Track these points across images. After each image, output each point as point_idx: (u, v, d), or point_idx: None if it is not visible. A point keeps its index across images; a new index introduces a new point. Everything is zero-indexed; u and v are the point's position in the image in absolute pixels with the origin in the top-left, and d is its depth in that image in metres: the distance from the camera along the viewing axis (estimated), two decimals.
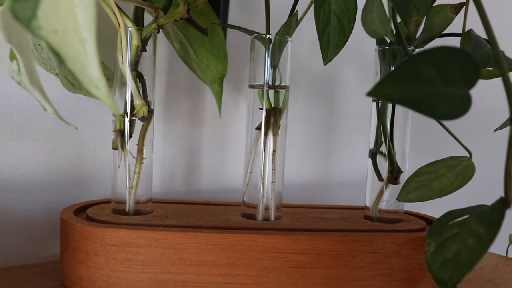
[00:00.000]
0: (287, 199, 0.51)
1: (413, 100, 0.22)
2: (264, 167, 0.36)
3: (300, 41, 0.52)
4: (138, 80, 0.35)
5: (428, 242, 0.30)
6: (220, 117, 0.44)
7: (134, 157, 0.36)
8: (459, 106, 0.24)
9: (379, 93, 0.22)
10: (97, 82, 0.21)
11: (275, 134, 0.36)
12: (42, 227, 0.41)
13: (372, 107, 0.38)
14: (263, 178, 0.36)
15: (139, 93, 0.35)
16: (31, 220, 0.40)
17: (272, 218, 0.36)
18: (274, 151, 0.36)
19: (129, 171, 0.35)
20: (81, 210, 0.37)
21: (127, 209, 0.35)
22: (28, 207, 0.40)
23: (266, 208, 0.36)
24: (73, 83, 0.38)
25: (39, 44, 0.37)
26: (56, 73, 0.39)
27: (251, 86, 0.36)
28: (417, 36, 0.38)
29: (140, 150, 0.37)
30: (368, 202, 0.39)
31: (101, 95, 0.21)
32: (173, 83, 0.47)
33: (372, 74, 0.38)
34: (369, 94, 0.22)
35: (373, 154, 0.38)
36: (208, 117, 0.49)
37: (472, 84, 0.24)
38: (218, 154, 0.50)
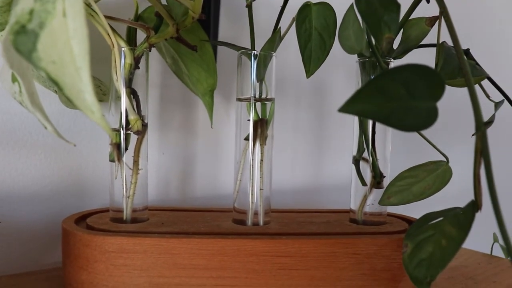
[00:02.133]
0: (279, 204, 0.53)
1: (382, 115, 0.24)
2: (252, 175, 0.38)
3: (287, 53, 0.54)
4: (132, 96, 0.38)
5: (406, 244, 0.32)
6: (212, 127, 0.46)
7: (130, 168, 0.38)
8: (426, 118, 0.26)
9: (350, 110, 0.24)
10: (91, 106, 0.23)
11: (262, 144, 0.38)
12: (45, 235, 0.43)
13: (354, 116, 0.40)
14: (252, 186, 0.38)
15: (133, 109, 0.37)
16: (34, 229, 0.42)
17: (261, 223, 0.38)
18: (261, 160, 0.38)
19: (125, 182, 0.37)
20: (82, 219, 0.39)
21: (124, 218, 0.37)
22: (31, 217, 0.42)
23: (256, 214, 0.38)
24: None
25: None
26: (55, 90, 0.41)
27: (239, 99, 0.39)
28: (395, 48, 0.40)
29: (135, 162, 0.39)
30: (353, 205, 0.41)
31: (96, 118, 0.23)
32: (167, 96, 0.49)
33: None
34: (341, 110, 0.24)
35: (356, 161, 0.41)
36: (201, 127, 0.52)
37: (437, 97, 0.27)
38: (211, 162, 0.52)
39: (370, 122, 0.39)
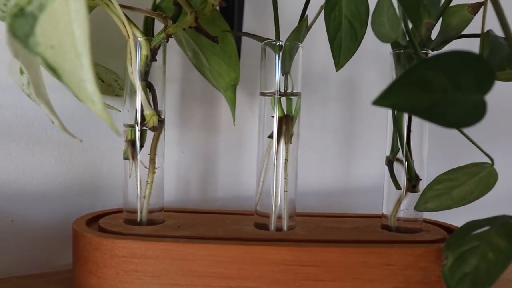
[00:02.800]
0: (305, 207, 0.50)
1: (422, 109, 0.21)
2: (276, 176, 0.35)
3: (316, 46, 0.51)
4: (148, 90, 0.35)
5: (446, 255, 0.29)
6: (234, 124, 0.44)
7: (145, 167, 0.36)
8: (473, 113, 0.22)
9: (385, 102, 0.21)
10: (92, 96, 0.20)
11: (287, 143, 0.35)
12: (57, 236, 0.41)
13: (387, 113, 0.37)
14: (275, 188, 0.35)
15: (149, 103, 0.35)
16: (46, 229, 0.41)
17: (285, 228, 0.35)
18: (286, 159, 0.35)
19: (140, 181, 0.35)
20: (95, 219, 0.37)
21: (138, 219, 0.35)
22: (43, 216, 0.40)
23: (279, 218, 0.36)
24: None
25: None
26: None
27: (262, 94, 0.36)
28: (434, 38, 0.36)
29: (152, 160, 0.36)
30: (386, 210, 0.38)
31: (97, 109, 0.20)
32: (187, 91, 0.47)
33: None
34: (375, 103, 0.21)
35: (389, 162, 0.37)
36: (223, 124, 0.49)
37: (487, 89, 0.23)
38: (234, 161, 0.50)
39: (406, 119, 0.36)
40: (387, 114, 0.37)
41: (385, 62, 0.56)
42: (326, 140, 0.55)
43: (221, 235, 0.33)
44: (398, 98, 0.21)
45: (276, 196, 0.35)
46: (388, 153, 0.37)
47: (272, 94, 0.35)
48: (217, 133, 0.49)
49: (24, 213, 0.40)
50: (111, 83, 0.41)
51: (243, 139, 0.50)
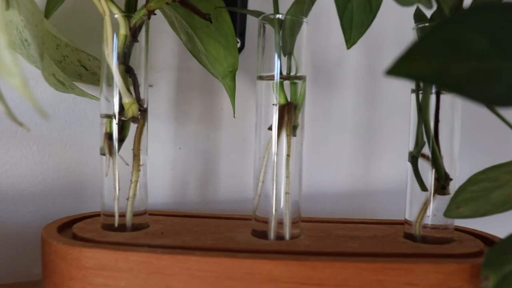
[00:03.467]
0: (316, 212, 0.45)
1: (453, 80, 0.16)
2: (276, 174, 0.30)
3: (324, 21, 0.45)
4: (127, 75, 0.30)
5: (486, 275, 0.23)
6: (234, 116, 0.38)
7: (127, 163, 0.31)
8: None
9: (403, 71, 0.16)
10: (10, 67, 0.15)
11: (289, 135, 0.30)
12: (37, 241, 0.36)
13: (411, 99, 0.31)
14: (276, 188, 0.30)
15: (128, 90, 0.30)
16: (23, 233, 0.36)
17: (287, 236, 0.30)
18: (288, 155, 0.30)
19: (118, 180, 0.30)
20: (72, 224, 0.32)
21: (116, 224, 0.30)
22: (20, 219, 0.36)
23: (281, 224, 0.30)
24: (63, 82, 0.34)
25: (25, 40, 0.33)
26: (52, 73, 0.35)
27: (260, 78, 0.30)
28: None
29: (135, 156, 0.32)
30: (409, 216, 0.32)
31: (15, 83, 0.16)
32: (185, 80, 0.42)
33: None
34: (390, 72, 0.16)
35: (413, 158, 0.31)
36: (225, 117, 0.44)
37: None
38: (237, 159, 0.44)
39: (433, 104, 0.30)
40: (410, 100, 0.31)
41: (406, 39, 0.50)
42: (341, 134, 0.49)
43: (209, 245, 0.28)
44: (421, 65, 0.16)
45: (276, 199, 0.30)
46: (411, 147, 0.31)
47: (271, 78, 0.30)
48: (218, 127, 0.44)
49: None
50: (95, 71, 0.37)
51: (247, 134, 0.45)
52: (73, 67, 0.37)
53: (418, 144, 0.31)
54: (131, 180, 0.32)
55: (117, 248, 0.26)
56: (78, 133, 0.38)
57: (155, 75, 0.41)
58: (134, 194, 0.32)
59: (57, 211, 0.37)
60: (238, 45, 0.44)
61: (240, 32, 0.45)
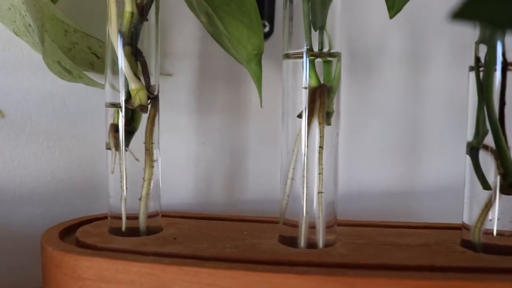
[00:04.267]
0: (355, 213, 0.40)
1: None
2: (306, 170, 0.25)
3: (367, 3, 0.40)
4: (134, 58, 0.27)
5: None
6: (261, 106, 0.34)
7: (136, 159, 0.28)
8: None
9: (471, 13, 0.11)
10: None
11: (322, 123, 0.25)
12: None
13: (469, 78, 0.26)
14: (306, 187, 0.25)
15: (136, 75, 0.26)
16: (33, 236, 0.33)
17: (321, 244, 0.25)
18: (321, 147, 0.25)
19: (126, 178, 0.27)
20: (80, 226, 0.29)
21: (123, 228, 0.27)
22: (30, 221, 0.33)
23: (314, 228, 0.25)
24: (70, 70, 0.31)
25: (29, 25, 0.30)
26: (57, 60, 0.32)
27: (286, 56, 0.26)
28: None
29: (148, 150, 0.28)
30: (467, 219, 0.26)
31: None
32: (207, 68, 0.38)
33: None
34: (456, 15, 0.11)
35: (472, 149, 0.26)
36: (253, 109, 0.40)
37: None
38: (267, 155, 0.40)
39: (497, 82, 0.24)
40: (468, 81, 0.26)
41: (461, 32, 0.44)
42: (383, 126, 0.44)
43: (226, 254, 0.23)
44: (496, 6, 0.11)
45: (307, 199, 0.25)
46: (470, 137, 0.26)
47: (300, 56, 0.25)
48: (246, 119, 0.39)
49: (6, 216, 0.33)
50: None
51: (279, 127, 0.40)
52: (84, 55, 0.34)
53: (479, 132, 0.25)
54: (143, 178, 0.28)
55: (118, 256, 0.22)
56: (91, 127, 0.35)
57: (174, 63, 0.38)
58: (148, 194, 0.28)
59: (69, 212, 0.34)
60: (266, 29, 0.40)
61: (269, 16, 0.41)
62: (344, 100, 0.42)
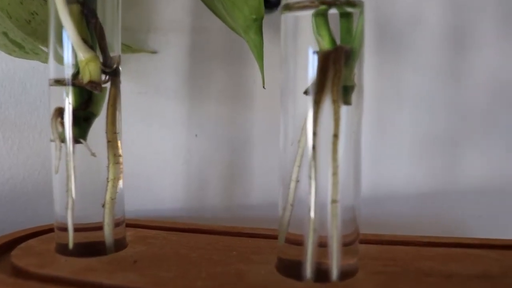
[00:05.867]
0: (384, 220, 0.33)
1: None
2: (315, 169, 0.18)
3: None
4: (85, 19, 0.20)
5: None
6: (264, 87, 0.27)
7: (93, 153, 0.21)
8: None
9: None
10: None
11: (336, 101, 0.18)
12: None
13: None
14: (313, 193, 0.18)
15: (86, 43, 0.20)
16: None
17: (335, 274, 0.18)
18: (335, 135, 0.18)
19: (73, 178, 0.20)
20: (27, 239, 0.23)
21: (69, 245, 0.20)
22: None
23: (325, 247, 0.18)
24: (21, 43, 0.25)
25: None
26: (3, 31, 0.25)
27: (287, 7, 0.19)
28: None
29: (110, 142, 0.22)
30: None
31: None
32: (202, 45, 0.32)
33: None
34: None
35: None
36: (258, 93, 0.33)
37: None
38: (273, 149, 0.33)
39: None
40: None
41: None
42: (416, 116, 0.36)
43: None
44: None
45: (316, 210, 0.18)
46: None
47: (305, 5, 0.18)
48: (249, 106, 0.33)
49: None
50: None
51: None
52: (46, 28, 0.28)
53: None
54: (107, 179, 0.22)
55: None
56: None
57: (162, 39, 0.31)
58: (112, 198, 0.22)
59: (28, 219, 0.28)
60: None
61: None
62: (370, 82, 0.35)
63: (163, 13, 0.31)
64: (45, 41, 0.28)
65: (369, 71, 0.36)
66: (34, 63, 0.28)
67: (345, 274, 0.18)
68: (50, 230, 0.24)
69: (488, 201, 0.38)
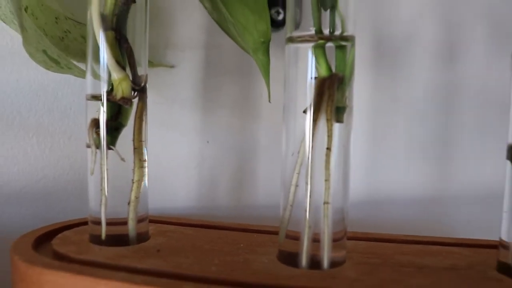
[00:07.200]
0: (379, 223, 0.36)
1: None
2: (311, 176, 0.21)
3: None
4: (118, 44, 0.24)
5: None
6: (269, 101, 0.30)
7: (122, 158, 0.24)
8: None
9: None
10: None
11: (330, 120, 0.21)
12: None
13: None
14: (309, 196, 0.21)
15: (120, 64, 0.23)
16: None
17: (325, 263, 0.21)
18: (328, 148, 0.21)
19: (106, 179, 0.24)
20: (63, 231, 0.26)
21: (102, 236, 0.24)
22: (17, 223, 0.31)
23: (318, 242, 0.22)
24: (57, 60, 0.28)
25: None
26: (42, 49, 0.29)
27: (290, 40, 0.22)
28: None
29: (137, 149, 0.25)
30: (506, 236, 0.22)
31: None
32: (215, 60, 0.35)
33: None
34: None
35: None
36: (265, 105, 0.36)
37: None
38: (277, 157, 0.36)
39: None
40: (500, 85, 0.21)
41: (503, 17, 0.39)
42: (411, 126, 0.40)
43: (210, 273, 0.20)
44: None
45: (311, 210, 0.21)
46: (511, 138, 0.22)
47: (307, 40, 0.21)
48: (256, 116, 0.36)
49: None
50: None
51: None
52: (78, 44, 0.31)
53: None
54: (132, 180, 0.25)
55: (85, 271, 0.19)
56: (84, 123, 0.32)
57: (179, 54, 0.34)
58: (137, 197, 0.25)
59: (58, 214, 0.32)
60: (281, 16, 0.37)
61: (283, 2, 0.37)
62: (368, 94, 0.38)
63: (180, 31, 0.35)
64: (76, 56, 0.32)
65: (366, 84, 0.39)
66: (66, 75, 0.32)
67: (334, 264, 0.21)
68: (80, 223, 0.27)
69: (476, 208, 0.41)
